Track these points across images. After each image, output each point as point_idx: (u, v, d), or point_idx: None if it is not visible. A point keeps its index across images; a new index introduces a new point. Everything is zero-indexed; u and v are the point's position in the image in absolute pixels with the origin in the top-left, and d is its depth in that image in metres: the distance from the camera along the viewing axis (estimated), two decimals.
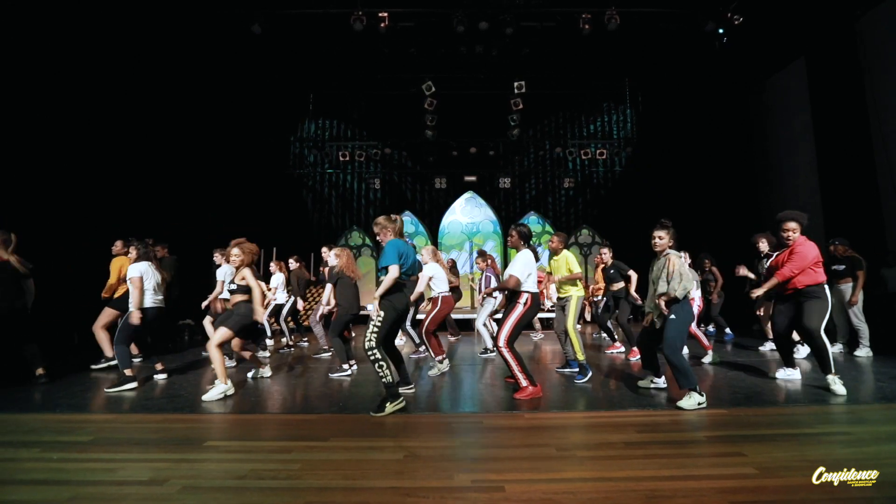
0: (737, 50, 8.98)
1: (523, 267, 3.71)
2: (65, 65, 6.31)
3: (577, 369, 4.42)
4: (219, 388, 3.75)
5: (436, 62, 9.99)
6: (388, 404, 3.22)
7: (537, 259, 3.91)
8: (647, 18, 8.31)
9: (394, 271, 3.31)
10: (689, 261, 5.54)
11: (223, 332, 3.90)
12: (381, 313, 3.33)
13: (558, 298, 4.67)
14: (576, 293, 4.50)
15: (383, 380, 3.26)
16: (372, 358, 3.26)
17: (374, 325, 3.32)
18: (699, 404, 3.28)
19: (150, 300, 4.39)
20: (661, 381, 3.94)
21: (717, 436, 2.75)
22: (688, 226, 9.93)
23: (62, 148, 6.29)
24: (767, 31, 8.58)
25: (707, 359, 5.12)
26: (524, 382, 3.62)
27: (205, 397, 3.69)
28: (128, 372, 4.09)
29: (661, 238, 3.65)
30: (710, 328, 8.02)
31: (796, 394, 3.72)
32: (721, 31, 8.64)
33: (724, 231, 9.64)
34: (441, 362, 4.75)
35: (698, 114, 10.39)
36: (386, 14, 7.90)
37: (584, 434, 2.86)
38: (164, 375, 4.55)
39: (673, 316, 3.46)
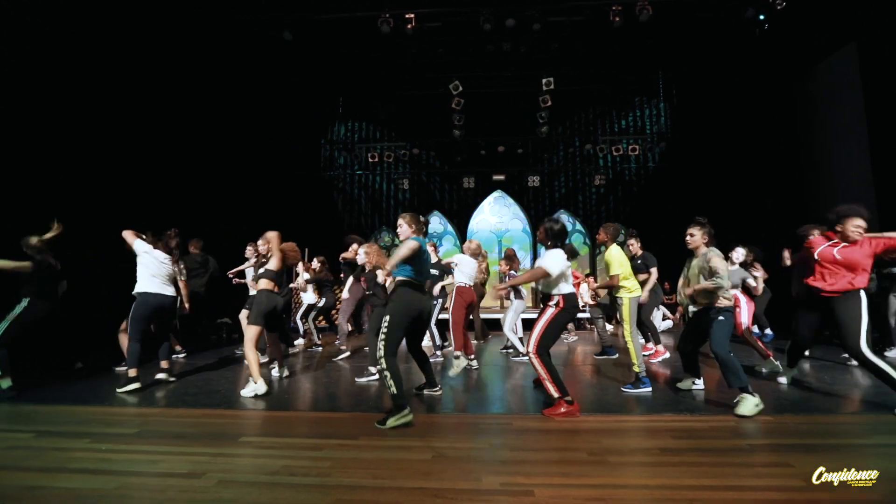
0: (779, 37, 8.52)
1: (548, 264, 3.40)
2: (111, 72, 6.69)
3: (615, 356, 4.20)
4: (251, 387, 3.86)
5: (463, 61, 9.96)
6: (391, 418, 2.96)
7: (573, 257, 3.75)
8: (681, 7, 8.00)
9: (411, 244, 3.25)
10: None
11: (253, 330, 4.00)
12: (387, 318, 3.16)
13: (612, 299, 4.41)
14: (626, 295, 4.14)
15: (389, 390, 3.01)
16: (378, 368, 3.08)
17: (382, 333, 3.12)
18: (756, 406, 3.05)
19: (156, 287, 4.31)
20: (701, 383, 3.80)
21: (761, 444, 2.61)
22: (727, 224, 9.55)
23: (102, 153, 6.62)
24: (813, 15, 8.09)
25: (765, 368, 4.64)
26: (556, 394, 3.21)
27: (242, 392, 3.85)
28: (131, 372, 4.02)
29: (693, 235, 3.55)
30: (755, 329, 7.68)
31: (847, 401, 3.49)
32: (762, 17, 8.22)
33: (767, 229, 9.18)
34: (458, 358, 4.45)
35: (738, 105, 9.91)
36: (412, 15, 7.95)
37: (617, 439, 2.78)
38: (164, 375, 4.36)
39: (721, 318, 3.36)
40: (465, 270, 4.98)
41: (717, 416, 3.11)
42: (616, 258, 4.23)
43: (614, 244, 4.36)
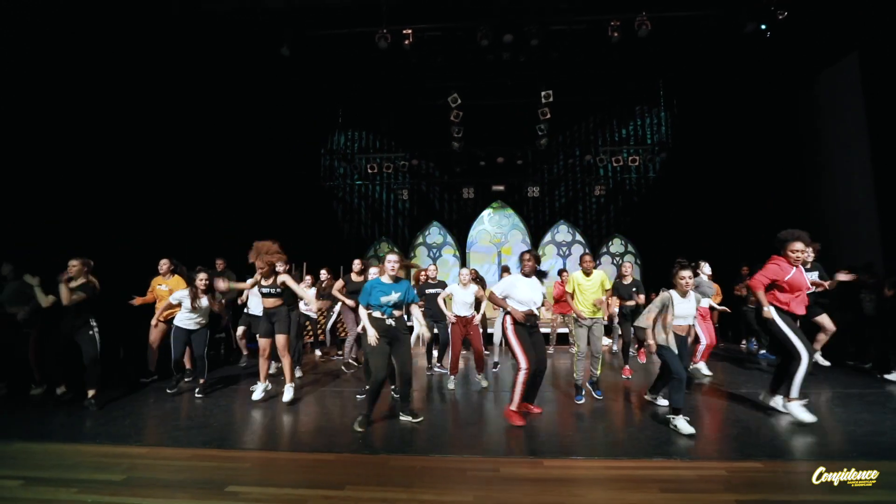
0: (782, 46, 8.44)
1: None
2: (114, 82, 6.83)
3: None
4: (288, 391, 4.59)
5: (463, 70, 9.89)
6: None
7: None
8: (680, 22, 7.92)
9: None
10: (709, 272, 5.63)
11: (282, 338, 4.58)
12: None
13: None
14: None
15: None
16: None
17: None
18: (685, 429, 3.56)
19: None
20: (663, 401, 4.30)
21: (749, 500, 2.56)
22: (729, 234, 9.49)
23: (106, 162, 6.72)
24: (815, 24, 8.01)
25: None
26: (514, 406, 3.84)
27: (284, 398, 4.53)
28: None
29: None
30: (753, 343, 7.68)
31: (849, 442, 3.43)
32: (763, 27, 8.13)
33: (769, 230, 9.09)
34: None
35: (740, 114, 9.83)
36: (410, 31, 7.92)
37: (603, 491, 2.75)
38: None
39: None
40: (457, 300, 5.02)
41: (706, 462, 3.08)
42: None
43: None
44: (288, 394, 4.57)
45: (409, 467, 3.08)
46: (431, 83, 10.29)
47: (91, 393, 4.46)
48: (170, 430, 3.93)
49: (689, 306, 3.88)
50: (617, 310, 6.39)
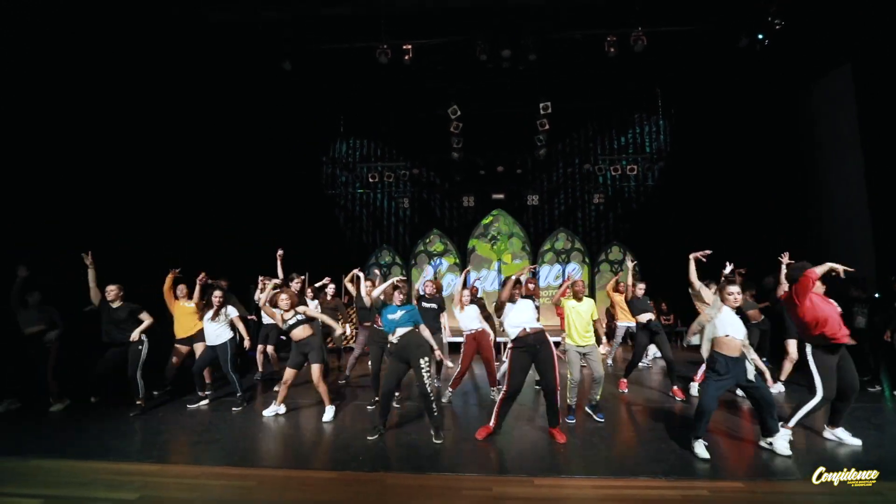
0: (778, 56, 8.55)
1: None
2: (117, 92, 6.98)
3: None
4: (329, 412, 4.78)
5: (462, 79, 9.99)
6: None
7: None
8: (676, 36, 8.04)
9: None
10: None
11: (317, 368, 4.75)
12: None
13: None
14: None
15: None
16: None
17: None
18: (700, 455, 3.59)
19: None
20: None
21: None
22: (727, 241, 9.58)
23: (115, 172, 6.93)
24: (809, 35, 8.12)
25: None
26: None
27: (324, 418, 4.71)
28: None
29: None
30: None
31: (831, 461, 3.55)
32: (761, 36, 8.24)
33: (768, 247, 9.19)
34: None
35: (737, 122, 9.94)
36: (409, 46, 8.07)
37: None
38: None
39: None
40: (461, 319, 5.39)
41: (689, 482, 3.21)
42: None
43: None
44: (328, 414, 4.77)
45: (405, 486, 3.23)
46: (431, 93, 10.41)
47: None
48: (179, 445, 4.10)
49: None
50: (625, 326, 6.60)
